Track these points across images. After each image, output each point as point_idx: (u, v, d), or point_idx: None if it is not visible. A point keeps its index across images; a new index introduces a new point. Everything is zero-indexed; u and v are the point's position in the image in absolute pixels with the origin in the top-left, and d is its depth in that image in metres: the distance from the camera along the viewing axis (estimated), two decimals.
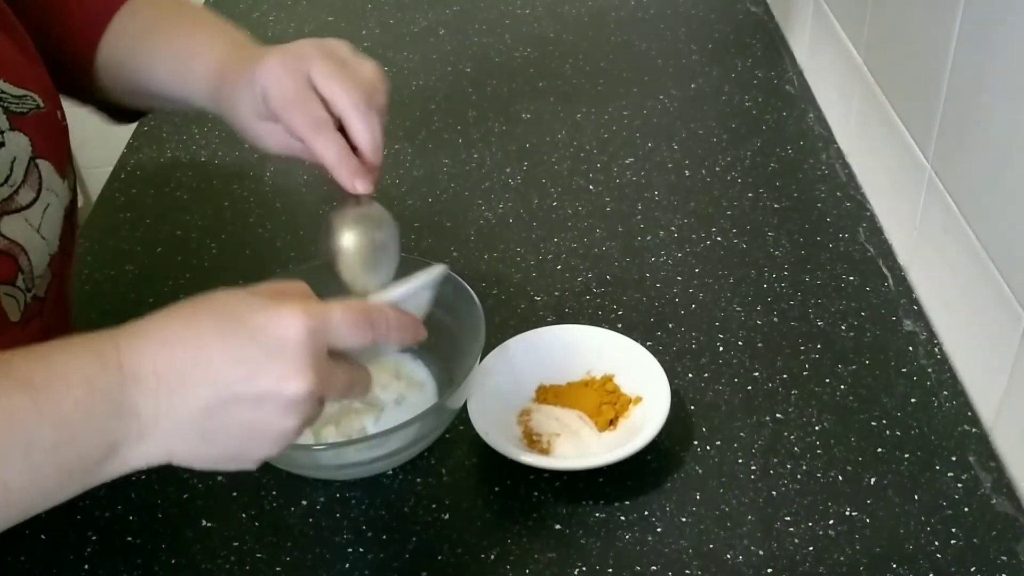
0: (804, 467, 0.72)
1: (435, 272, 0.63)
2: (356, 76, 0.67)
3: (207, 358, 0.50)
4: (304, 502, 0.72)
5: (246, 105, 0.69)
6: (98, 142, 1.19)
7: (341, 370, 0.54)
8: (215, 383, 0.50)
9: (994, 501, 0.69)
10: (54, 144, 0.71)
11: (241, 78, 0.69)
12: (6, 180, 0.66)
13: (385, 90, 0.69)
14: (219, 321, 0.51)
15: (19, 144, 0.67)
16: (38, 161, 0.69)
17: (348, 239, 0.65)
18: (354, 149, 0.66)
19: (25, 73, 0.70)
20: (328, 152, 0.65)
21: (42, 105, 0.70)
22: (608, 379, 0.77)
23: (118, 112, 0.86)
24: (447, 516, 0.70)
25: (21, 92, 0.68)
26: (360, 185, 0.65)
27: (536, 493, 0.71)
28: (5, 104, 0.67)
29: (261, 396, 0.50)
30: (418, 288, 0.62)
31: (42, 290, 0.69)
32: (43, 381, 0.49)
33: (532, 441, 0.73)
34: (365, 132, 0.66)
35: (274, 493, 0.73)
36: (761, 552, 0.66)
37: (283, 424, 0.51)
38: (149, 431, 0.50)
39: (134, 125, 1.17)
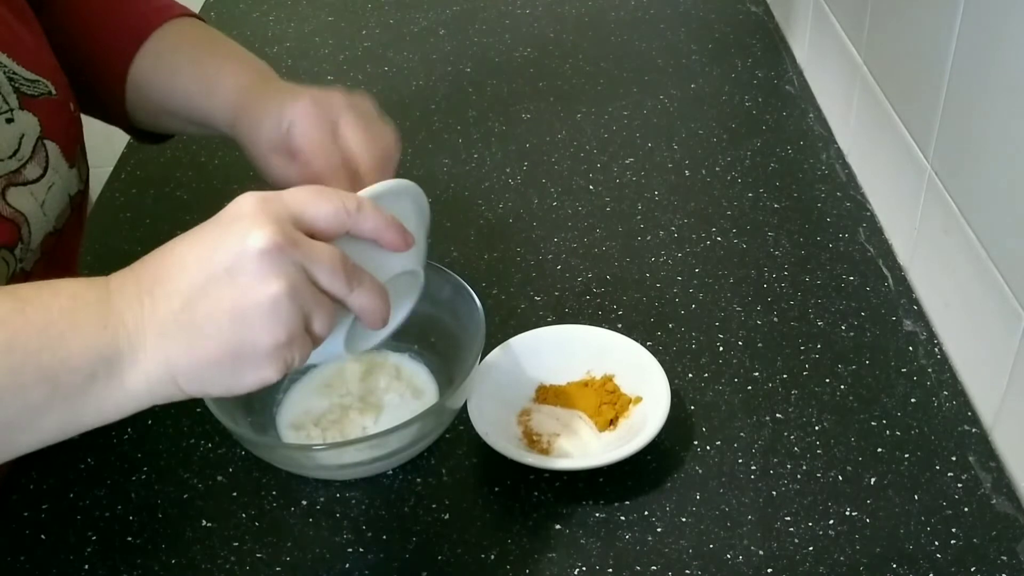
0: (804, 467, 0.72)
1: (406, 182, 0.62)
2: (378, 138, 0.70)
3: (178, 257, 0.51)
4: (304, 502, 0.72)
5: (266, 135, 0.71)
6: (98, 142, 1.18)
7: (324, 246, 0.52)
8: (187, 274, 0.50)
9: (994, 501, 0.69)
10: (63, 130, 0.72)
11: (268, 108, 0.72)
12: (14, 154, 0.68)
13: (398, 157, 0.72)
14: (188, 234, 0.52)
15: (28, 123, 0.69)
16: (46, 141, 0.70)
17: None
18: None
19: (41, 63, 0.72)
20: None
21: (54, 92, 0.72)
22: (608, 379, 0.77)
23: (145, 134, 0.88)
24: (447, 516, 0.70)
25: (34, 77, 0.70)
26: None
27: (536, 493, 0.71)
28: (16, 85, 0.69)
29: (231, 266, 0.49)
30: (389, 189, 0.60)
31: (29, 265, 0.70)
32: (32, 294, 0.50)
33: (532, 441, 0.73)
34: None
35: (274, 493, 0.73)
36: (761, 552, 0.66)
37: (267, 289, 0.49)
38: (139, 341, 0.50)
39: None
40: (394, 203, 0.59)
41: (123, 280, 0.52)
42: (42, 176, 0.70)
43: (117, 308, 0.50)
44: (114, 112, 0.84)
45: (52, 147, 0.71)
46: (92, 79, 0.81)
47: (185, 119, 0.81)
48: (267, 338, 0.50)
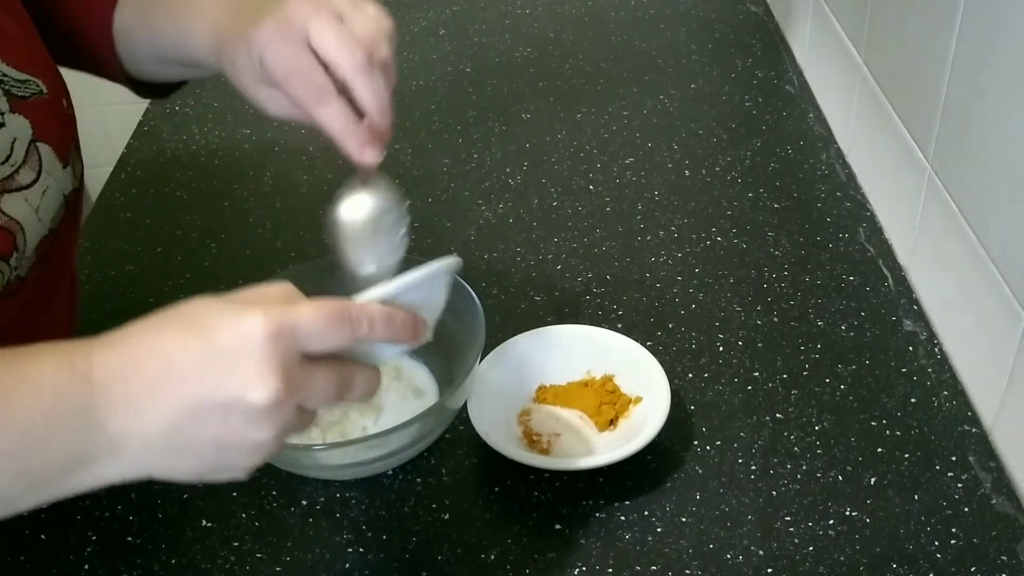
0: (804, 467, 0.72)
1: (441, 264, 0.57)
2: (356, 32, 0.62)
3: (172, 370, 0.48)
4: (304, 502, 0.72)
5: (246, 70, 0.67)
6: (98, 142, 1.19)
7: (322, 374, 0.51)
8: (180, 396, 0.48)
9: (994, 501, 0.69)
10: (56, 129, 0.71)
11: (240, 43, 0.67)
12: (7, 159, 0.66)
13: (389, 35, 0.64)
14: (184, 331, 0.49)
15: (19, 126, 0.67)
16: (38, 144, 0.69)
17: (347, 212, 0.63)
18: (361, 113, 0.63)
19: (31, 60, 0.71)
20: (332, 123, 0.62)
21: (45, 91, 0.71)
22: (608, 379, 0.77)
23: (149, 88, 0.85)
24: (447, 516, 0.70)
25: (24, 77, 0.69)
26: (369, 155, 0.63)
27: (536, 493, 0.71)
28: (7, 87, 0.67)
29: (227, 406, 0.48)
30: (416, 282, 0.56)
31: (24, 271, 0.69)
32: (10, 385, 0.48)
33: (532, 441, 0.73)
34: (369, 95, 0.62)
35: (274, 493, 0.73)
36: (761, 552, 0.66)
37: (255, 435, 0.49)
38: (121, 448, 0.49)
39: (134, 125, 1.17)
40: (417, 289, 0.56)
41: (109, 379, 0.49)
42: (36, 180, 0.68)
43: (99, 412, 0.48)
44: (109, 67, 0.81)
45: (45, 149, 0.69)
46: (81, 36, 0.78)
47: (176, 63, 0.78)
48: (243, 463, 0.51)
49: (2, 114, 0.66)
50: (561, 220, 0.98)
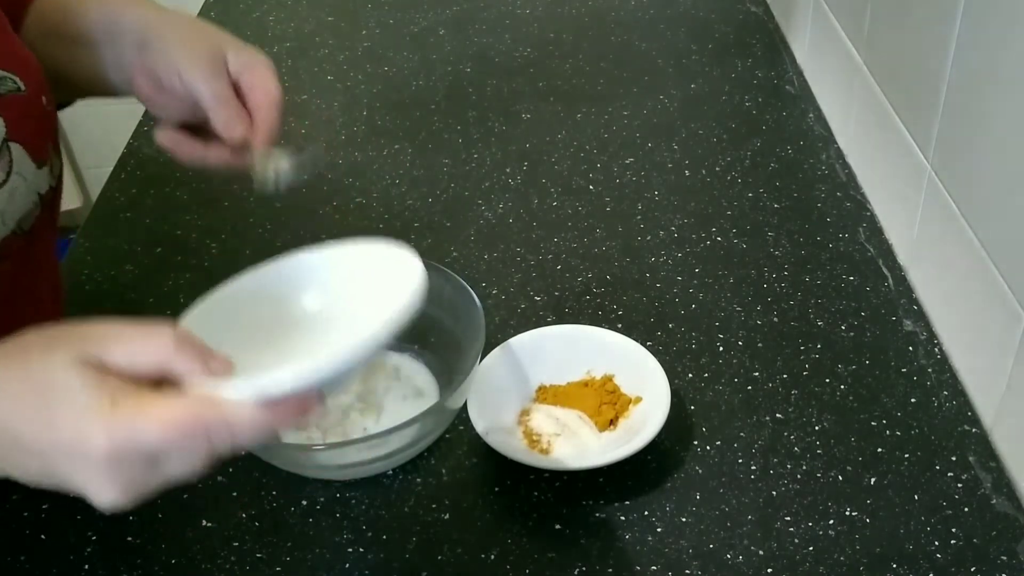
0: (804, 467, 0.72)
1: (366, 339, 0.47)
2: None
3: (20, 443, 0.46)
4: (304, 502, 0.72)
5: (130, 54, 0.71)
6: (98, 142, 1.19)
7: (174, 465, 0.46)
8: (32, 466, 0.47)
9: (994, 501, 0.69)
10: (32, 128, 0.70)
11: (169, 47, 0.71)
12: None
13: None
14: (32, 408, 0.46)
15: None
16: (10, 144, 0.67)
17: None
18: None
19: (8, 54, 0.70)
20: (223, 127, 0.69)
21: (23, 88, 0.69)
22: (608, 379, 0.77)
23: None
24: (447, 516, 0.70)
25: (1, 74, 0.68)
26: (238, 131, 0.69)
27: (536, 493, 0.71)
28: None
29: (68, 477, 0.46)
30: (319, 370, 0.46)
31: None
32: None
33: (532, 441, 0.73)
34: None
35: (274, 493, 0.73)
36: (761, 552, 0.66)
37: (102, 497, 0.46)
38: None
39: (134, 125, 1.17)
40: (320, 376, 0.47)
41: None
42: (4, 182, 0.66)
43: None
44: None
45: (17, 149, 0.68)
46: None
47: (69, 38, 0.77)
48: (107, 502, 0.47)
49: None
50: (561, 220, 0.98)
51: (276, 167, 0.70)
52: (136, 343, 0.47)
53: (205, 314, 0.56)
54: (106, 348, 0.46)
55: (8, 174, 0.67)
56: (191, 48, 0.69)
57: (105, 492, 0.46)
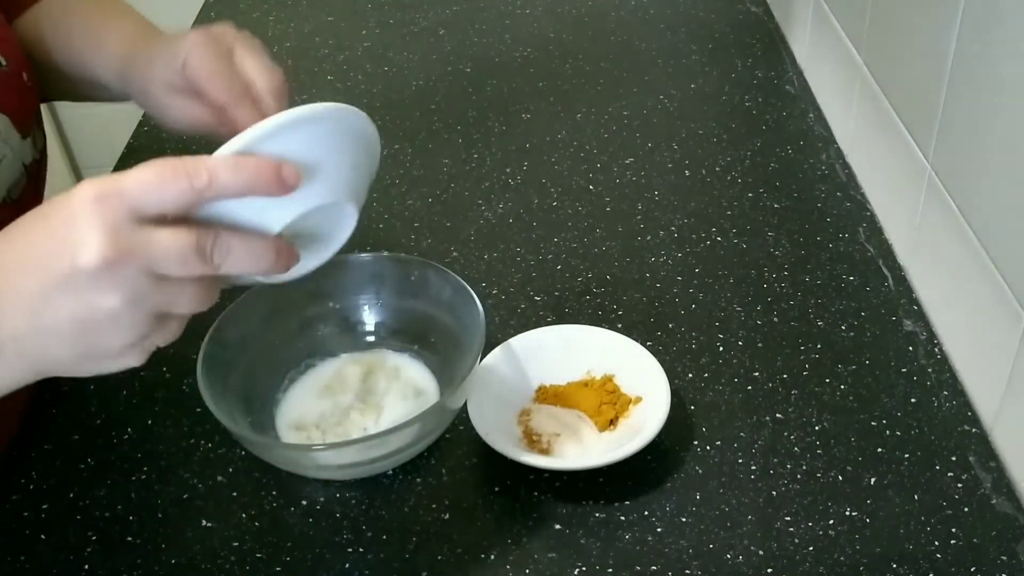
0: (804, 467, 0.72)
1: (324, 106, 0.52)
2: (272, 66, 0.70)
3: (21, 261, 0.49)
4: (304, 502, 0.72)
5: (160, 75, 0.71)
6: (98, 142, 1.19)
7: (167, 234, 0.48)
8: (29, 284, 0.48)
9: (994, 501, 0.69)
10: (16, 101, 0.72)
11: (158, 49, 0.72)
12: None
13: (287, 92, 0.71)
14: (29, 222, 0.50)
15: None
16: None
17: None
18: None
19: None
20: (248, 121, 0.63)
21: (4, 64, 0.72)
22: (608, 379, 0.77)
23: None
24: (447, 516, 0.70)
25: None
26: None
27: (536, 493, 0.71)
28: None
29: (67, 279, 0.47)
30: (283, 125, 0.51)
31: None
32: None
33: (532, 441, 0.73)
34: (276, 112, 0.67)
35: (274, 493, 0.73)
36: (761, 552, 0.66)
37: (102, 302, 0.47)
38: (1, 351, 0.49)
39: (134, 125, 1.17)
40: (294, 134, 0.52)
41: None
42: None
43: None
44: None
45: (3, 120, 0.70)
46: None
47: (67, 76, 0.80)
48: (115, 342, 0.49)
49: None
50: (561, 220, 0.98)
51: None
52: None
53: None
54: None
55: None
56: (198, 52, 0.69)
57: (91, 241, 0.46)
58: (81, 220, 0.47)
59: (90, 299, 0.47)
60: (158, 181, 0.48)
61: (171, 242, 0.48)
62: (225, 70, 0.67)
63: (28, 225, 0.50)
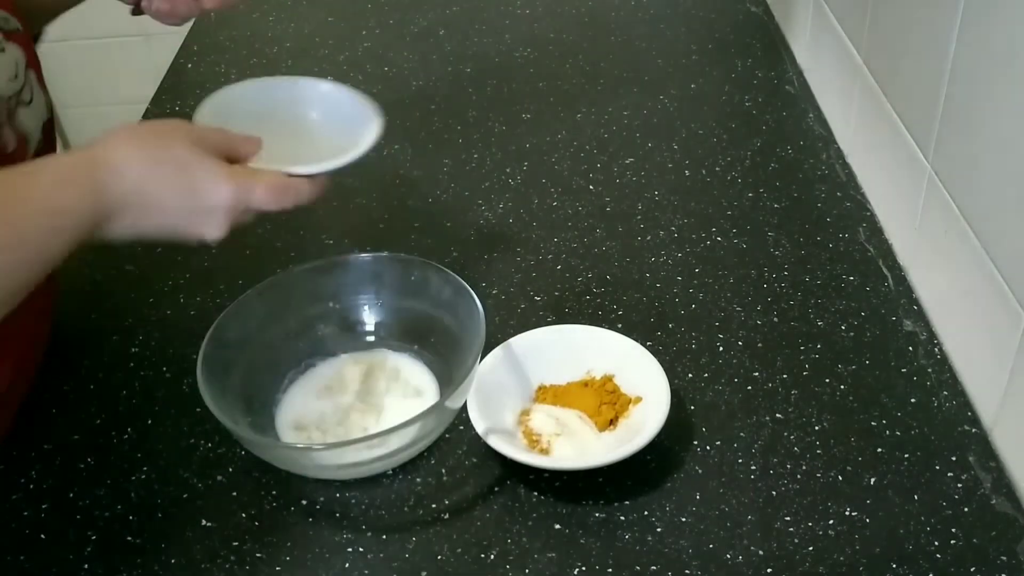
0: (804, 467, 0.72)
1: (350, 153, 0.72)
2: None
3: (163, 203, 0.64)
4: (304, 502, 0.72)
5: None
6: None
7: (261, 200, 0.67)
8: (164, 223, 0.65)
9: (994, 501, 0.69)
10: (35, 61, 0.79)
11: None
12: (15, 76, 0.75)
13: None
14: (176, 176, 0.64)
15: (15, 52, 0.76)
16: (28, 70, 0.77)
17: None
18: None
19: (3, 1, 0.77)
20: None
21: (20, 28, 0.77)
22: (608, 379, 0.77)
23: None
24: (447, 516, 0.70)
25: (5, 15, 0.76)
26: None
27: (536, 493, 0.71)
28: None
29: (190, 227, 0.65)
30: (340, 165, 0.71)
31: None
32: (29, 169, 0.61)
33: (532, 441, 0.73)
34: None
35: (274, 493, 0.73)
36: (761, 552, 0.66)
37: (211, 233, 0.66)
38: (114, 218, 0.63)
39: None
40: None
41: (117, 185, 0.62)
42: (32, 100, 0.77)
43: (102, 205, 0.62)
44: None
45: (31, 75, 0.77)
46: None
47: None
48: (214, 238, 0.67)
49: (2, 40, 0.74)
50: (561, 220, 0.98)
51: None
52: (217, 134, 0.68)
53: (220, 104, 0.75)
54: (202, 136, 0.66)
55: (32, 94, 0.77)
56: None
57: (216, 232, 0.65)
58: (221, 212, 0.65)
59: (202, 232, 0.66)
60: (276, 204, 0.67)
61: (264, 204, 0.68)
62: None
63: (175, 177, 0.64)
